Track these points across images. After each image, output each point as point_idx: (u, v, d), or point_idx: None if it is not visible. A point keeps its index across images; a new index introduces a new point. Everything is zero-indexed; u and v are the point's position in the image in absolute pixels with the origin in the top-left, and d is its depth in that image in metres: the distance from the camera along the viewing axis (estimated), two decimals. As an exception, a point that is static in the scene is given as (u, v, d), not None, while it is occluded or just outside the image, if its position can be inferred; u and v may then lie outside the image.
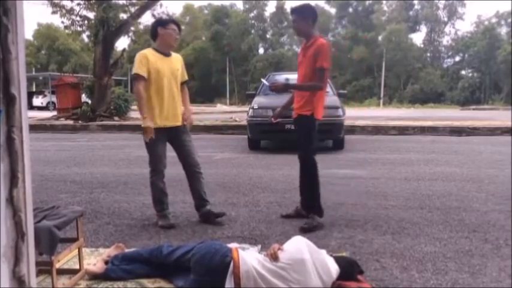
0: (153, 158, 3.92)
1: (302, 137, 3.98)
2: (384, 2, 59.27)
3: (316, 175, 3.97)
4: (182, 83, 4.08)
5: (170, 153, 4.02)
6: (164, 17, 17.76)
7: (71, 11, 16.70)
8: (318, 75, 3.79)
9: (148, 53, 3.88)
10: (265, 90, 10.23)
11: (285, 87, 4.15)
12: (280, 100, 9.36)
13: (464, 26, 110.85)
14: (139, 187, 5.49)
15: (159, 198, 3.96)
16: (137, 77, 3.79)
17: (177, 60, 4.04)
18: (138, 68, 3.79)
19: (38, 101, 34.45)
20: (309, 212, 3.94)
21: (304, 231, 3.66)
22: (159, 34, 3.88)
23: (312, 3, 4.02)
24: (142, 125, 3.80)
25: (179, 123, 3.96)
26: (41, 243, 2.31)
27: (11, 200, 1.19)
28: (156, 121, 3.84)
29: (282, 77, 11.42)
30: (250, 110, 9.13)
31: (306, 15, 3.90)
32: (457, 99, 52.02)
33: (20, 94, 1.21)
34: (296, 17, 3.93)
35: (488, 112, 28.38)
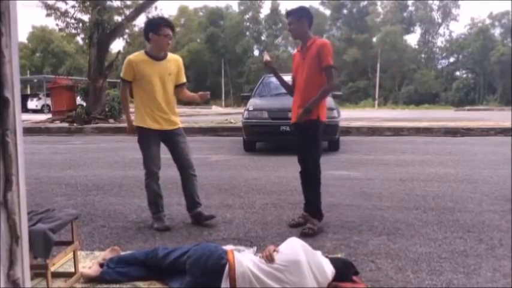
0: (147, 159, 3.92)
1: (309, 142, 3.87)
2: (379, 3, 59.55)
3: (319, 180, 3.90)
4: (178, 85, 4.05)
5: (166, 155, 4.02)
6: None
7: (65, 14, 16.66)
8: (327, 74, 3.75)
9: (137, 58, 3.90)
10: (261, 92, 10.25)
11: (308, 111, 3.78)
12: (276, 102, 9.35)
13: (459, 27, 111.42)
14: (134, 189, 5.48)
15: (154, 201, 3.95)
16: (122, 81, 3.98)
17: (172, 63, 3.98)
18: (123, 73, 3.94)
19: (32, 103, 34.30)
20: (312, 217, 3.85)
21: (305, 235, 3.57)
22: (151, 40, 3.88)
23: (307, 4, 4.00)
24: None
25: (172, 127, 3.96)
26: (36, 246, 2.30)
27: (5, 203, 1.19)
28: (146, 122, 3.87)
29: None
30: (246, 112, 9.13)
31: (302, 17, 3.86)
32: (452, 100, 52.28)
33: (14, 97, 1.20)
34: (292, 19, 3.88)
35: (482, 113, 28.52)
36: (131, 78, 3.89)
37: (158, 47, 3.88)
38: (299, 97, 3.91)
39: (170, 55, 4.00)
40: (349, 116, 18.75)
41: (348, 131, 12.76)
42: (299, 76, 3.93)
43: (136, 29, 17.75)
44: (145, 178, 3.96)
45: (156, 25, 3.89)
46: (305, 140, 3.89)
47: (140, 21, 17.31)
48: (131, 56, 3.94)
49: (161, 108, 3.88)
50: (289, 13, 3.93)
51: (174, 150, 3.99)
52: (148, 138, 3.89)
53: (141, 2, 17.12)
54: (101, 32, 16.21)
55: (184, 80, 4.11)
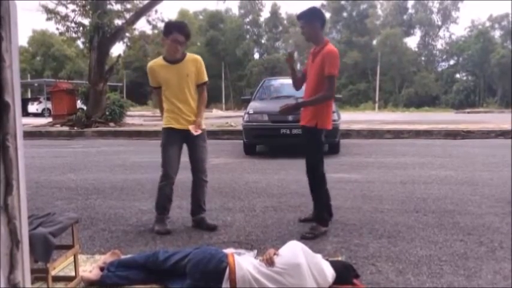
0: (165, 162, 3.93)
1: (308, 148, 3.91)
2: (379, 6, 59.56)
3: (324, 185, 3.89)
4: (199, 85, 4.00)
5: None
6: (159, 23, 17.81)
7: (65, 18, 16.67)
8: (327, 83, 3.69)
9: (155, 64, 3.98)
10: (261, 95, 10.26)
11: (296, 108, 3.97)
12: (277, 105, 9.39)
13: (458, 29, 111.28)
14: (135, 193, 5.48)
15: (163, 204, 3.97)
16: (153, 89, 4.11)
17: (190, 63, 3.94)
18: (150, 81, 4.05)
19: (33, 107, 34.32)
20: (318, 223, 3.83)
21: (306, 239, 3.55)
22: (164, 43, 3.94)
23: (306, 6, 3.94)
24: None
25: None
26: (37, 250, 2.30)
27: (5, 208, 1.19)
28: (170, 122, 3.94)
29: (277, 82, 11.45)
30: (246, 115, 9.14)
31: (313, 20, 3.81)
32: (452, 102, 52.25)
33: (14, 102, 1.21)
34: (304, 23, 3.83)
35: (482, 115, 28.50)
36: (157, 84, 3.98)
37: (168, 51, 3.91)
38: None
39: (189, 55, 3.99)
40: (350, 118, 18.75)
41: (348, 133, 12.76)
42: (307, 79, 3.96)
43: (136, 32, 17.78)
44: (160, 180, 3.97)
45: (169, 29, 3.91)
46: (306, 145, 3.95)
47: (140, 25, 17.36)
48: (151, 63, 4.03)
49: (180, 109, 3.91)
50: (299, 16, 3.87)
51: (192, 152, 4.00)
52: (170, 140, 3.93)
53: (141, 5, 17.14)
54: (101, 35, 16.23)
55: (204, 79, 4.01)
